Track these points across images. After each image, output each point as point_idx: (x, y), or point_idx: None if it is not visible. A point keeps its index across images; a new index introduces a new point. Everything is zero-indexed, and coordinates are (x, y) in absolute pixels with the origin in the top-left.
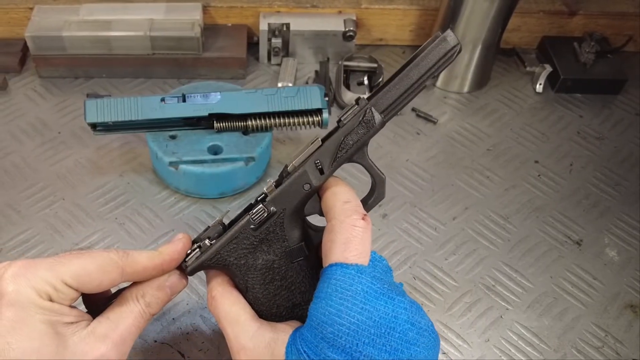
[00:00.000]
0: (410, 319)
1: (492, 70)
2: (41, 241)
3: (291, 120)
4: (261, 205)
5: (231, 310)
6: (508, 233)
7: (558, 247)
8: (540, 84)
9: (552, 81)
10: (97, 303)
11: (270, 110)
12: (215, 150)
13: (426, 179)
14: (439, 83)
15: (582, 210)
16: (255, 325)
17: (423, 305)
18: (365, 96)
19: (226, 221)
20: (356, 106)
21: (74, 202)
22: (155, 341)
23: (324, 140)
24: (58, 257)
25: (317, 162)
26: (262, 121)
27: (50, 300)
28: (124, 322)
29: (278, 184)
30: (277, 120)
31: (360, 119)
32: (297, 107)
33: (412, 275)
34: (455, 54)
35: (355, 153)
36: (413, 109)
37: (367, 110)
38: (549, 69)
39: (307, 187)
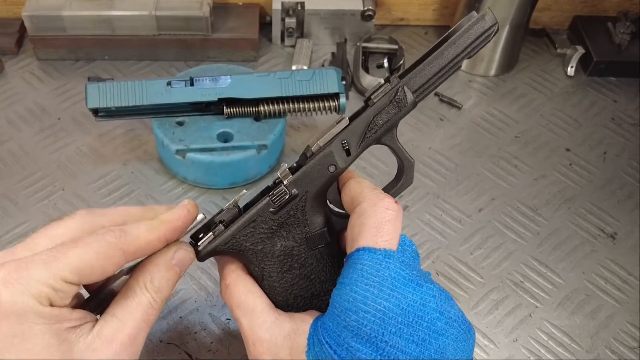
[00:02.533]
0: (439, 307)
1: (520, 52)
2: None
3: (306, 106)
4: (282, 186)
5: (247, 299)
6: (537, 226)
7: (591, 241)
8: (571, 67)
9: (584, 64)
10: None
11: (284, 94)
12: (225, 137)
13: (450, 168)
14: (463, 66)
15: (617, 201)
16: (273, 315)
17: None
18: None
19: (242, 204)
20: (387, 84)
21: (74, 192)
22: (161, 341)
23: (351, 119)
24: (50, 252)
25: (344, 143)
26: (275, 106)
27: (51, 304)
28: (132, 318)
29: (299, 165)
30: (291, 105)
31: (392, 97)
32: (312, 92)
33: (435, 271)
34: (493, 34)
35: (385, 134)
36: (436, 94)
37: (400, 89)
38: (581, 50)
39: (332, 168)
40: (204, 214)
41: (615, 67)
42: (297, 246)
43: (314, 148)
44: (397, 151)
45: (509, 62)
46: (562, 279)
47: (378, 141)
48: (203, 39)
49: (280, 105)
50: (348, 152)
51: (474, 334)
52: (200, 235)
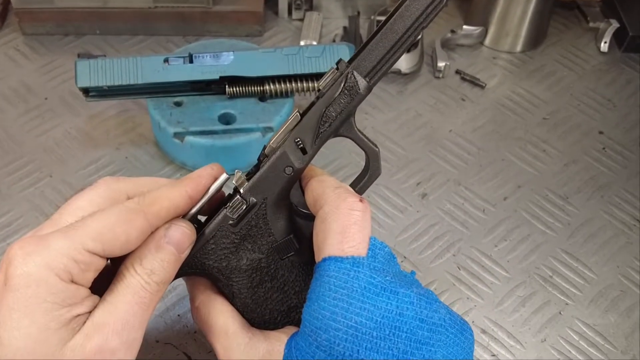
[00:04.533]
0: (418, 314)
1: (549, 26)
2: (25, 225)
3: (315, 85)
4: (238, 196)
5: (218, 321)
6: (568, 215)
7: (626, 232)
8: (605, 42)
9: (619, 39)
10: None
11: (291, 72)
12: (227, 119)
13: (472, 153)
14: (487, 41)
15: None
16: (247, 336)
17: (469, 300)
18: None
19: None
20: (336, 71)
21: (63, 179)
22: (157, 341)
23: (303, 114)
24: (71, 225)
25: (298, 141)
26: (282, 85)
27: (72, 280)
28: (122, 301)
29: (256, 170)
30: (299, 84)
31: (342, 85)
32: (322, 69)
33: (457, 265)
34: (445, 0)
35: (341, 126)
36: (457, 72)
37: (349, 75)
38: (615, 24)
39: (288, 170)
40: (228, 174)
41: None
42: (264, 258)
43: (267, 150)
44: (358, 142)
45: (536, 37)
46: (594, 273)
47: (336, 134)
48: (203, 12)
49: (288, 84)
50: (304, 151)
51: (471, 333)
52: None
